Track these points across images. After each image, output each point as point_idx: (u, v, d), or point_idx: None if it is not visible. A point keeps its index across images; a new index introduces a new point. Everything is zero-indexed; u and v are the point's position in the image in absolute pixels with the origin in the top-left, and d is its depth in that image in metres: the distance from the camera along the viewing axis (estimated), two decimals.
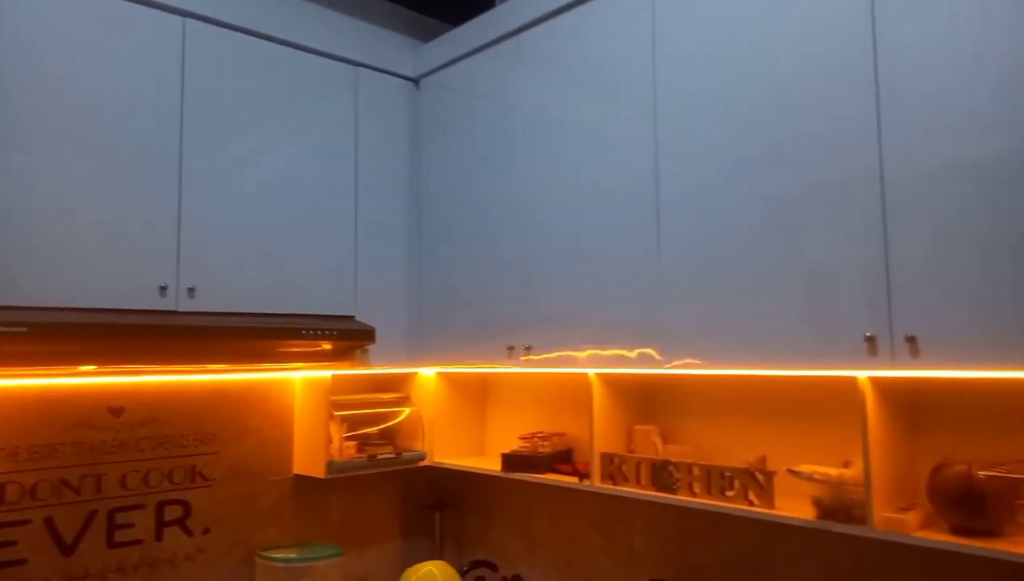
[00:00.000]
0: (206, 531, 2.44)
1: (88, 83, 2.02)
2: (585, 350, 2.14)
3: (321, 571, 2.44)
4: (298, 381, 2.66)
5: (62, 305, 1.89)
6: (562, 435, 2.53)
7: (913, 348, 1.53)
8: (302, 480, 2.65)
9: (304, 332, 2.16)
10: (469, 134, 2.57)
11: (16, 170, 1.89)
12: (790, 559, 2.01)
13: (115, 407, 2.28)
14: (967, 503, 1.54)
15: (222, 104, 2.28)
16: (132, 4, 2.11)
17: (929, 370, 1.51)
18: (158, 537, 2.34)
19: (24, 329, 1.64)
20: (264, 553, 2.46)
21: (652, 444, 2.18)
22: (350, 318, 2.51)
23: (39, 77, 1.93)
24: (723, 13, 1.88)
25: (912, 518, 1.60)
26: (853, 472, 1.69)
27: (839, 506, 1.70)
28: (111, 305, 1.98)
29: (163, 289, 2.05)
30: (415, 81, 2.77)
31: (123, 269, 2.02)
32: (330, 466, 2.50)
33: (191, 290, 2.10)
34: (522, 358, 2.31)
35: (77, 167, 1.98)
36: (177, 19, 2.20)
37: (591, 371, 2.17)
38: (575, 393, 2.57)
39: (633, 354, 2.02)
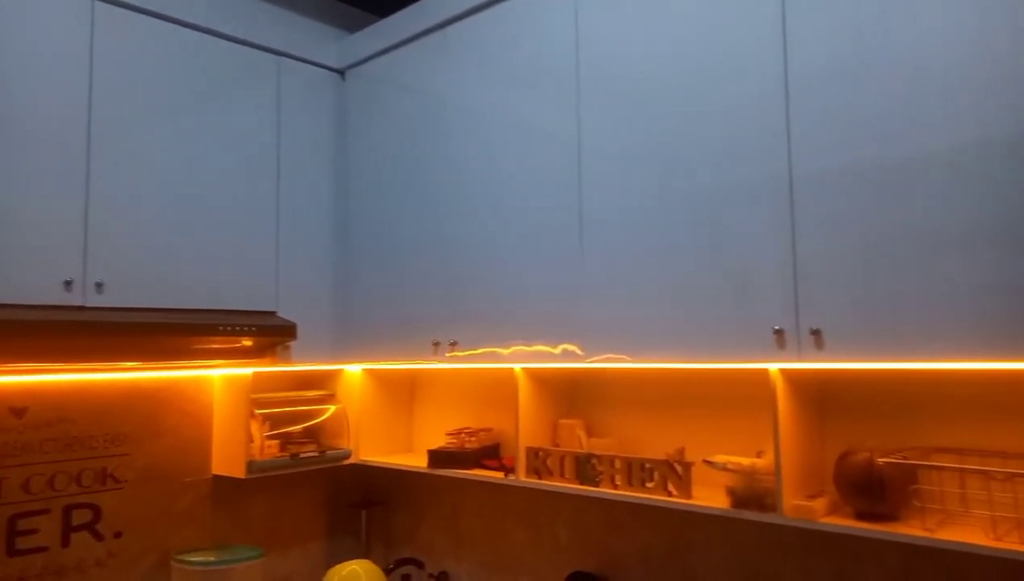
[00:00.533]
0: (118, 535, 2.34)
1: None
2: (510, 346, 2.15)
3: (240, 573, 2.38)
4: (217, 379, 2.58)
5: None
6: (489, 430, 2.53)
7: (818, 341, 1.59)
8: (222, 481, 2.58)
9: (221, 328, 2.09)
10: (396, 127, 2.54)
11: None
12: (707, 546, 2.07)
13: (17, 407, 2.16)
14: (868, 489, 1.61)
15: (134, 91, 2.19)
16: None
17: (832, 362, 1.58)
18: (64, 543, 2.23)
19: None
20: (180, 557, 2.38)
21: (577, 438, 2.21)
22: (271, 314, 2.44)
23: None
24: (643, 13, 1.91)
25: (819, 505, 1.67)
26: (765, 461, 1.75)
27: (751, 495, 1.76)
28: (11, 300, 1.87)
29: (68, 284, 1.95)
30: (341, 73, 2.72)
31: (25, 262, 1.91)
32: (250, 466, 2.44)
33: (99, 285, 2.01)
34: (447, 354, 2.30)
35: None
36: (86, 1, 2.09)
37: (517, 366, 2.18)
38: (502, 388, 2.58)
39: (557, 350, 2.04)
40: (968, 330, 1.41)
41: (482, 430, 2.51)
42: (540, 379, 2.24)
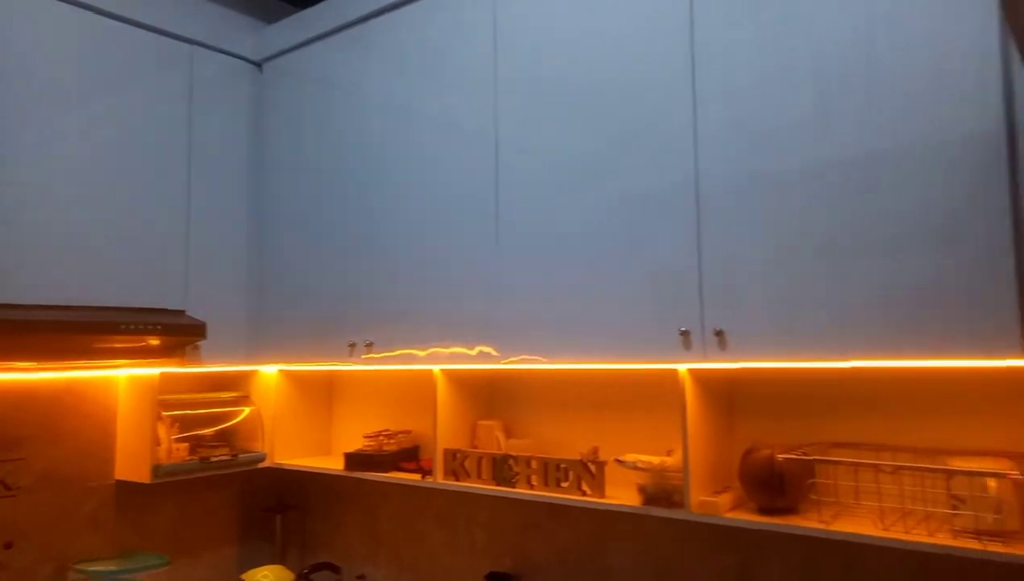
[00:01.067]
0: (8, 545, 2.21)
1: None
2: (427, 348, 2.13)
3: None
4: (122, 379, 2.47)
5: None
6: (408, 432, 2.51)
7: (721, 341, 1.65)
8: (127, 486, 2.47)
9: (123, 326, 2.01)
10: (314, 122, 2.49)
11: None
12: (621, 543, 2.10)
13: None
14: (769, 484, 1.67)
15: (41, 79, 2.07)
16: None
17: (735, 362, 1.64)
18: None
19: None
20: (79, 566, 2.26)
21: (495, 439, 2.21)
22: (180, 312, 2.36)
23: None
24: (561, 18, 1.94)
25: (724, 500, 1.72)
26: (674, 460, 1.80)
27: (661, 492, 1.80)
28: None
29: None
30: (258, 64, 2.65)
31: None
32: (156, 470, 2.34)
33: None
34: (363, 356, 2.27)
35: None
36: None
37: (435, 367, 2.16)
38: (421, 390, 2.56)
39: (473, 351, 2.04)
40: (863, 330, 1.48)
41: (401, 432, 2.49)
42: (459, 380, 2.24)
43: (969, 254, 1.39)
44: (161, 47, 2.38)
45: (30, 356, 2.05)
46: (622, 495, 1.89)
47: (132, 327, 2.04)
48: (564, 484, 1.94)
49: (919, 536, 1.47)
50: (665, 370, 1.86)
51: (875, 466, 1.61)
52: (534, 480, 1.99)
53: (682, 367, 1.73)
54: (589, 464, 1.91)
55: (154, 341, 2.24)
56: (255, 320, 2.57)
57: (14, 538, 2.22)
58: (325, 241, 2.42)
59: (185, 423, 2.54)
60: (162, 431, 2.42)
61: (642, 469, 1.80)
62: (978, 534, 1.43)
